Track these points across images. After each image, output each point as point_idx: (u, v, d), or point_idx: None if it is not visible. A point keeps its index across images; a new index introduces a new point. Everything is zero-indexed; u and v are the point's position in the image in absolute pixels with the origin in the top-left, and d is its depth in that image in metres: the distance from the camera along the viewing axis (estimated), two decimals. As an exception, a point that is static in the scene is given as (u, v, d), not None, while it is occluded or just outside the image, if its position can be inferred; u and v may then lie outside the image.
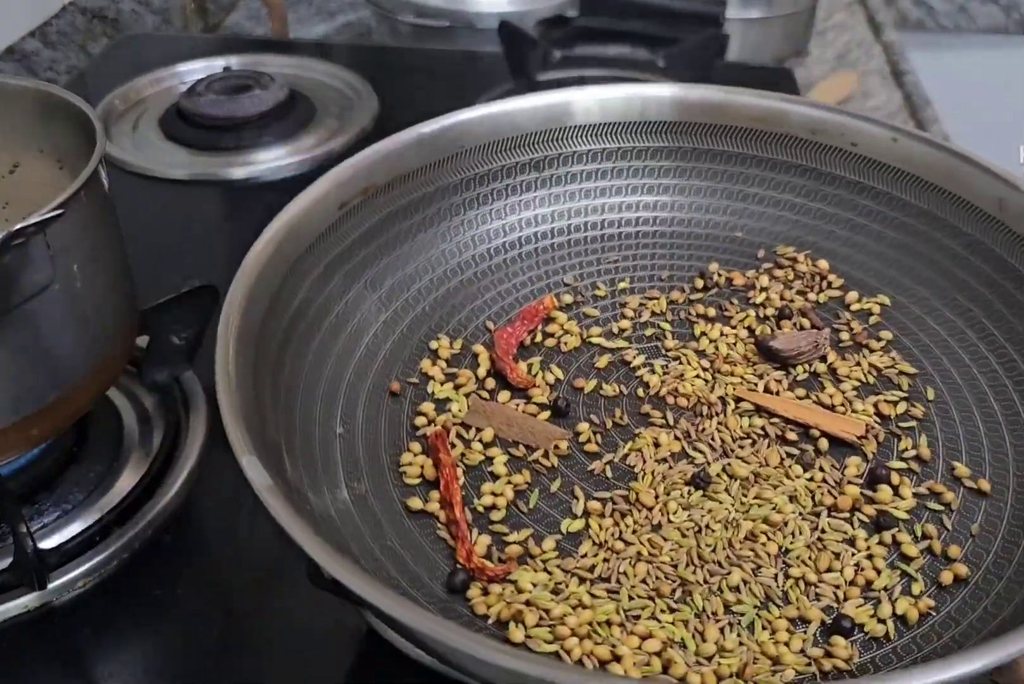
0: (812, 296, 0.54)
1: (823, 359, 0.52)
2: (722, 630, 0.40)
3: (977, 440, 0.47)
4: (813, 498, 0.45)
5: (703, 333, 0.53)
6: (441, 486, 0.45)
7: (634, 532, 0.43)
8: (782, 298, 0.54)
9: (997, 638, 0.32)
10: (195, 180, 0.80)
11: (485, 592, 0.42)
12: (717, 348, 0.52)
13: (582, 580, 0.42)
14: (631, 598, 0.41)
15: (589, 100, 0.52)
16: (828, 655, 0.40)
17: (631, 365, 0.52)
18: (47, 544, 0.48)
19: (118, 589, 0.48)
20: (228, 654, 0.46)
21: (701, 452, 0.47)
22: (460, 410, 0.50)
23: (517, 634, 0.40)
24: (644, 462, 0.47)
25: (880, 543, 0.44)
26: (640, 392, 0.50)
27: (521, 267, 0.54)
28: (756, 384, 0.50)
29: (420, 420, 0.49)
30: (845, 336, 0.53)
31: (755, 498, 0.45)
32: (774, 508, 0.44)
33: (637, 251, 0.54)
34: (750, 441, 0.48)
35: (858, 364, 0.51)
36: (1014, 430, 0.47)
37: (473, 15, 1.01)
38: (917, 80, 1.09)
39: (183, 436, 0.55)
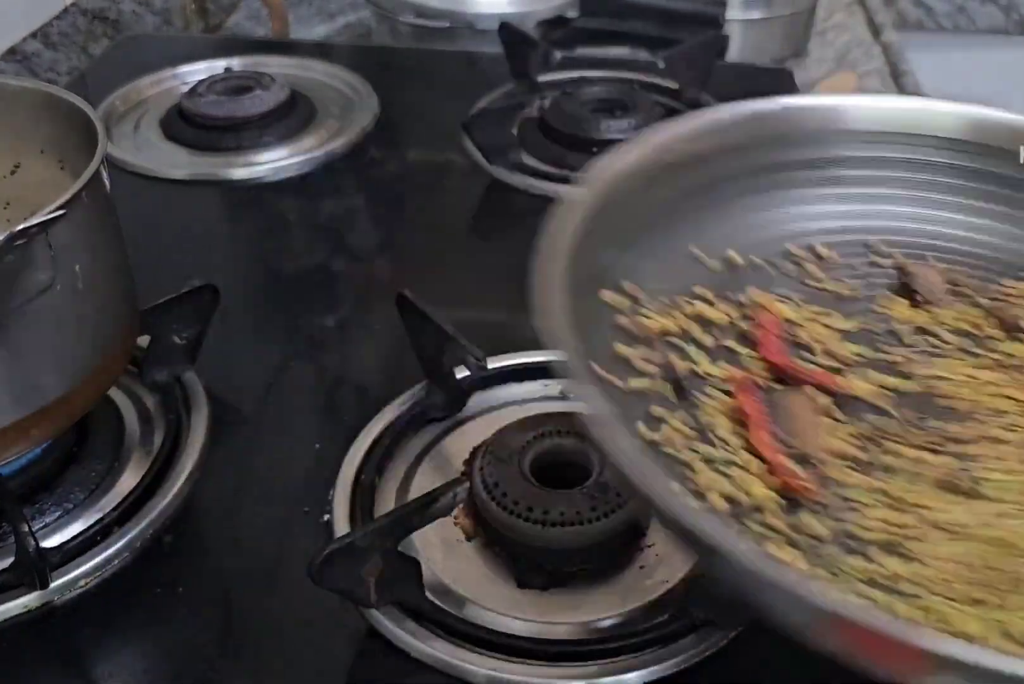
0: None
1: None
2: None
3: None
4: None
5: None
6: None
7: None
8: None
9: None
10: (196, 180, 0.80)
11: None
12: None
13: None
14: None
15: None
16: None
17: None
18: (48, 543, 0.48)
19: (119, 588, 0.48)
20: (228, 653, 0.46)
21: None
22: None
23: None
24: None
25: None
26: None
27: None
28: None
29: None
30: None
31: None
32: None
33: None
34: None
35: None
36: None
37: (473, 16, 1.01)
38: (916, 80, 1.10)
39: (184, 436, 0.55)
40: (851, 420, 0.43)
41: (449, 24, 1.01)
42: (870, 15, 1.25)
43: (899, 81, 1.10)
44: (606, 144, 0.81)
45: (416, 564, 0.46)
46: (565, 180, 0.79)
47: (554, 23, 1.00)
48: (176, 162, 0.82)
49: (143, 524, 0.50)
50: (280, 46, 1.03)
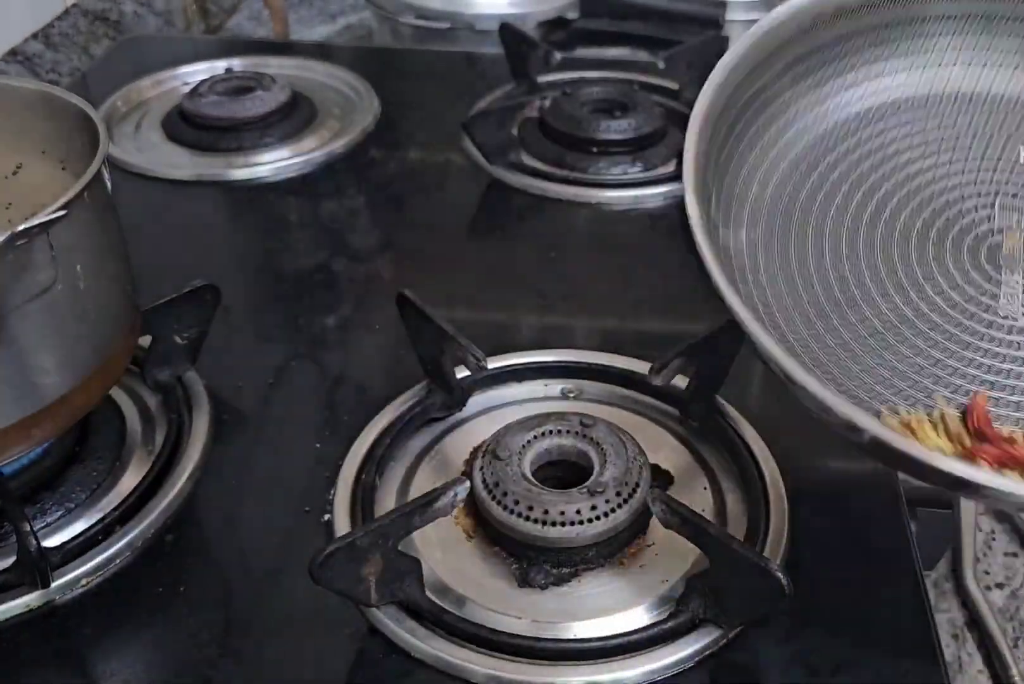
0: None
1: None
2: None
3: None
4: None
5: None
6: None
7: None
8: None
9: None
10: (197, 181, 0.81)
11: None
12: None
13: None
14: None
15: None
16: None
17: None
18: (50, 543, 0.49)
19: (120, 588, 0.48)
20: (229, 653, 0.46)
21: None
22: None
23: None
24: None
25: None
26: None
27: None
28: None
29: None
30: None
31: None
32: None
33: None
34: None
35: None
36: None
37: (474, 17, 1.01)
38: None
39: (185, 435, 0.55)
40: None
41: (449, 25, 1.01)
42: (870, 16, 1.25)
43: None
44: (606, 144, 0.81)
45: (416, 563, 0.46)
46: (565, 180, 0.79)
47: (554, 24, 1.00)
48: (177, 162, 0.82)
49: (144, 524, 0.50)
50: (281, 47, 1.03)
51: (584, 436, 0.50)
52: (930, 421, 0.44)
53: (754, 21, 1.08)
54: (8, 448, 0.47)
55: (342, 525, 0.50)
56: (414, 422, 0.56)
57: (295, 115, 0.87)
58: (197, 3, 1.14)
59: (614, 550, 0.49)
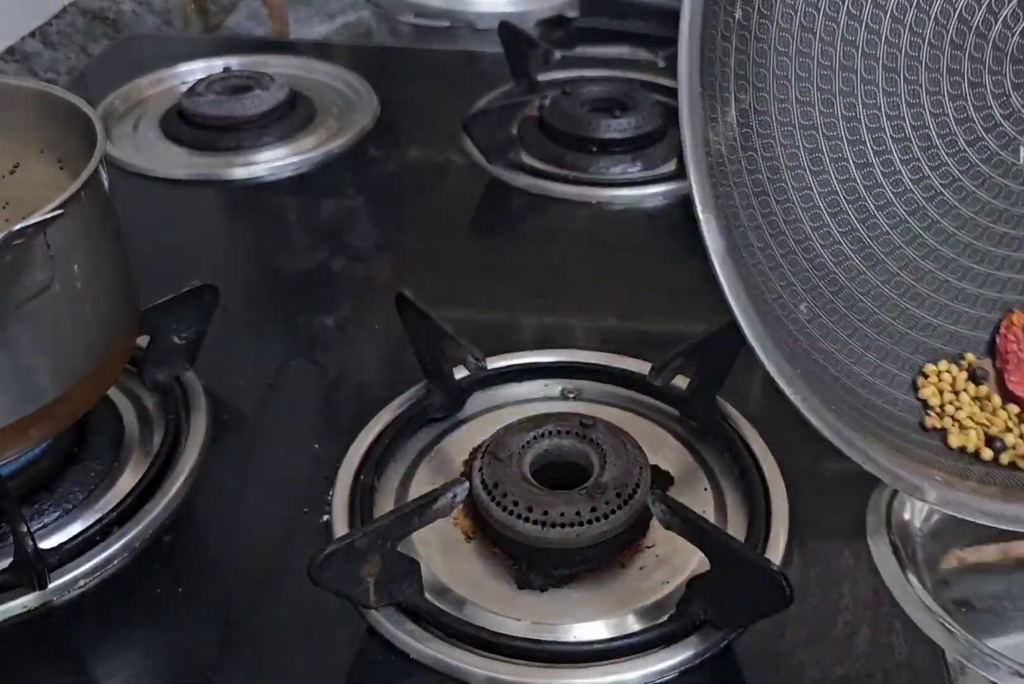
0: None
1: None
2: None
3: None
4: None
5: None
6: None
7: None
8: None
9: None
10: (195, 180, 0.80)
11: None
12: None
13: None
14: None
15: None
16: None
17: None
18: (47, 544, 0.48)
19: (118, 589, 0.48)
20: (228, 654, 0.46)
21: None
22: None
23: None
24: None
25: None
26: None
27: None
28: None
29: None
30: None
31: None
32: None
33: None
34: None
35: None
36: None
37: (473, 15, 1.01)
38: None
39: (183, 436, 0.55)
40: None
41: (449, 24, 1.01)
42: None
43: None
44: (606, 143, 0.81)
45: (415, 565, 0.46)
46: (565, 179, 0.79)
47: (554, 22, 1.00)
48: (175, 162, 0.82)
49: (142, 524, 0.50)
50: (280, 46, 1.03)
51: (584, 437, 0.50)
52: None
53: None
54: (6, 448, 0.47)
55: (341, 526, 0.50)
56: (413, 422, 0.56)
57: (294, 114, 0.86)
58: (195, 2, 1.13)
59: (614, 552, 0.48)
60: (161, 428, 0.56)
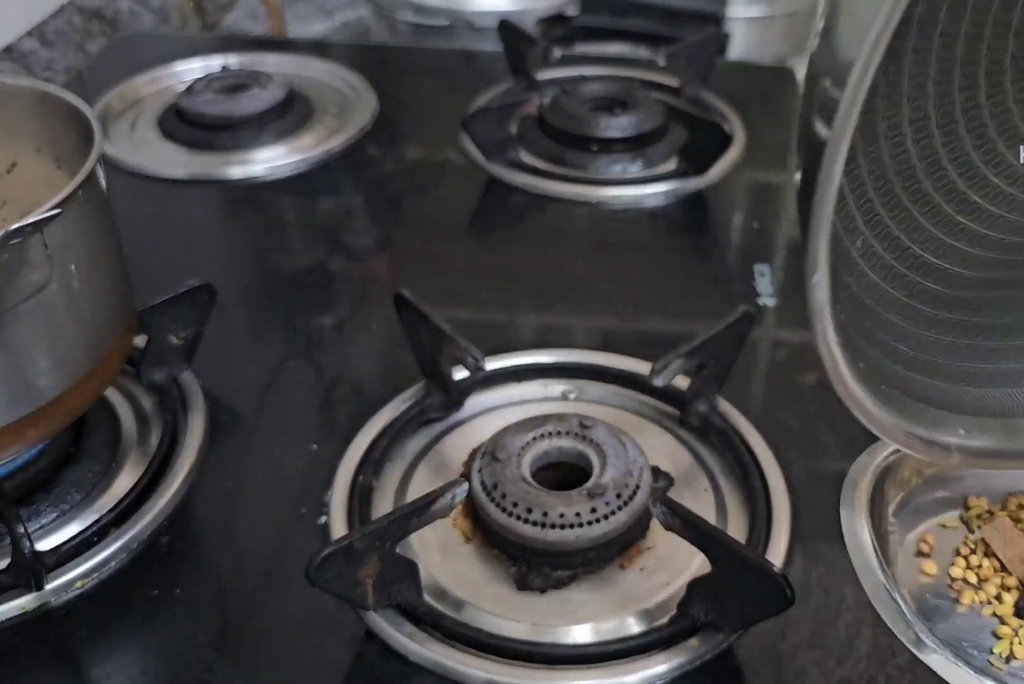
0: None
1: None
2: None
3: None
4: None
5: None
6: None
7: None
8: None
9: None
10: (193, 179, 0.80)
11: None
12: None
13: None
14: None
15: None
16: None
17: None
18: (45, 545, 0.48)
19: (116, 590, 0.48)
20: (225, 655, 0.46)
21: None
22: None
23: None
24: None
25: None
26: None
27: None
28: None
29: None
30: None
31: None
32: None
33: None
34: None
35: None
36: None
37: (472, 14, 1.01)
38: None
39: (181, 436, 0.55)
40: None
41: (448, 22, 1.01)
42: (870, 13, 1.25)
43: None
44: (605, 142, 0.81)
45: (414, 566, 0.46)
46: (564, 178, 0.79)
47: (553, 21, 1.00)
48: (173, 161, 0.82)
49: (140, 526, 0.50)
50: (278, 44, 1.03)
51: (584, 437, 0.49)
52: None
53: (754, 18, 1.08)
54: (2, 449, 0.46)
55: (339, 527, 0.50)
56: (412, 423, 0.56)
57: (292, 113, 0.86)
58: (193, 0, 1.13)
59: (614, 553, 0.48)
60: (159, 428, 0.56)
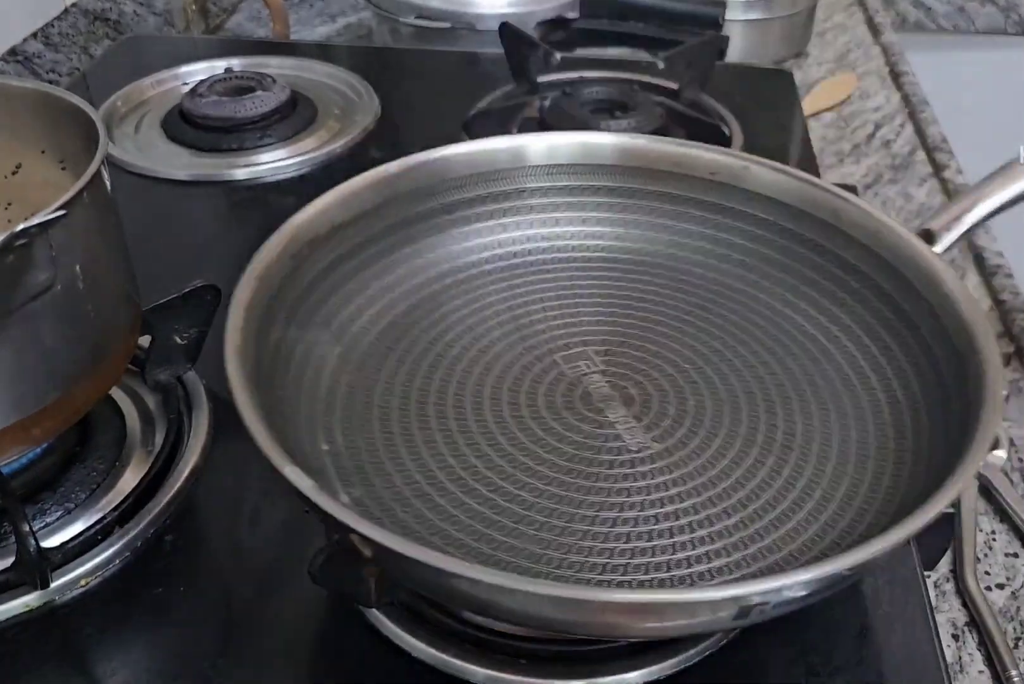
0: None
1: None
2: None
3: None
4: None
5: None
6: None
7: None
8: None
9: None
10: (197, 181, 0.81)
11: None
12: None
13: None
14: None
15: (542, 144, 0.58)
16: None
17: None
18: (49, 543, 0.48)
19: (120, 588, 0.48)
20: (229, 653, 0.46)
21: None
22: None
23: None
24: None
25: None
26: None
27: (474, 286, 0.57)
28: None
29: None
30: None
31: None
32: None
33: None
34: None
35: None
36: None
37: (474, 16, 1.01)
38: (916, 81, 1.10)
39: (185, 435, 0.55)
40: None
41: (450, 25, 1.01)
42: (870, 16, 1.25)
43: (898, 82, 1.10)
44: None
45: (416, 564, 0.46)
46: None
47: (554, 24, 1.00)
48: (177, 163, 0.82)
49: (144, 524, 0.50)
50: (281, 47, 1.03)
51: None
52: None
53: (753, 20, 1.08)
54: (8, 448, 0.47)
55: (342, 525, 0.50)
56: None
57: (295, 115, 0.87)
58: (197, 3, 1.13)
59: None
60: (163, 428, 0.56)
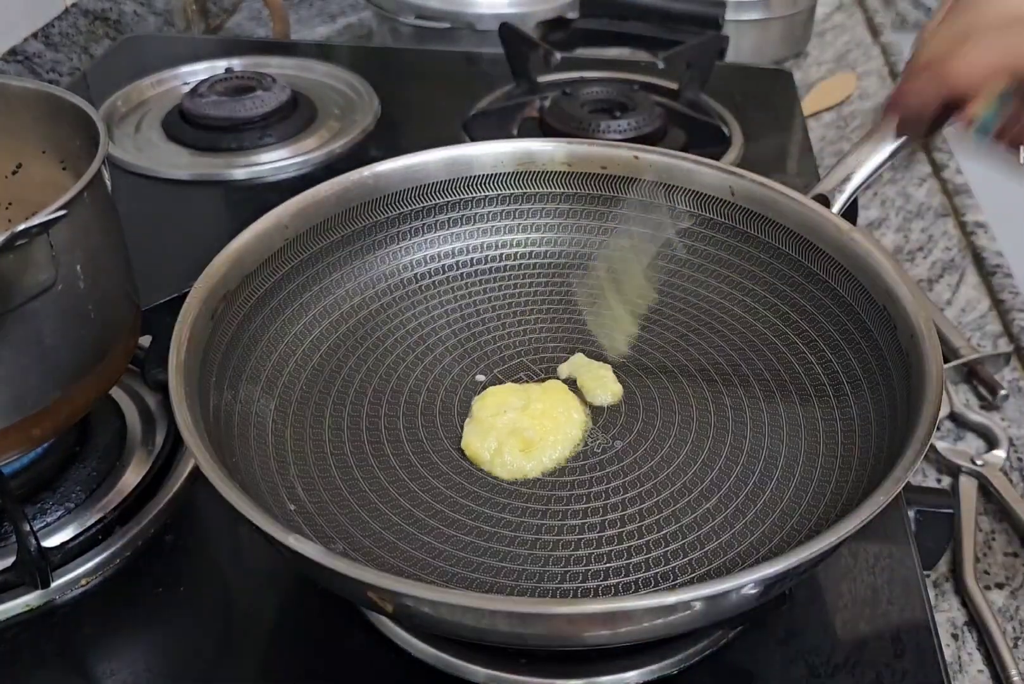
0: None
1: None
2: None
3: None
4: None
5: None
6: None
7: None
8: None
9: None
10: (197, 181, 0.81)
11: None
12: None
13: None
14: None
15: (478, 153, 0.58)
16: None
17: None
18: (50, 543, 0.49)
19: (120, 588, 0.49)
20: (229, 653, 0.46)
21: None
22: None
23: None
24: None
25: None
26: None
27: (425, 297, 0.58)
28: None
29: None
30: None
31: None
32: None
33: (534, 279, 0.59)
34: None
35: None
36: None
37: (474, 16, 1.01)
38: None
39: (185, 435, 0.55)
40: None
41: (450, 25, 1.01)
42: (869, 16, 1.25)
43: (898, 81, 1.10)
44: (606, 145, 0.81)
45: (416, 563, 0.46)
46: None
47: (554, 24, 1.00)
48: (177, 162, 0.82)
49: (144, 523, 0.50)
50: (281, 47, 1.03)
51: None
52: None
53: (753, 20, 1.08)
54: (8, 448, 0.47)
55: (342, 525, 0.50)
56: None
57: (295, 115, 0.87)
58: (197, 3, 1.13)
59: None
60: (163, 427, 0.56)
